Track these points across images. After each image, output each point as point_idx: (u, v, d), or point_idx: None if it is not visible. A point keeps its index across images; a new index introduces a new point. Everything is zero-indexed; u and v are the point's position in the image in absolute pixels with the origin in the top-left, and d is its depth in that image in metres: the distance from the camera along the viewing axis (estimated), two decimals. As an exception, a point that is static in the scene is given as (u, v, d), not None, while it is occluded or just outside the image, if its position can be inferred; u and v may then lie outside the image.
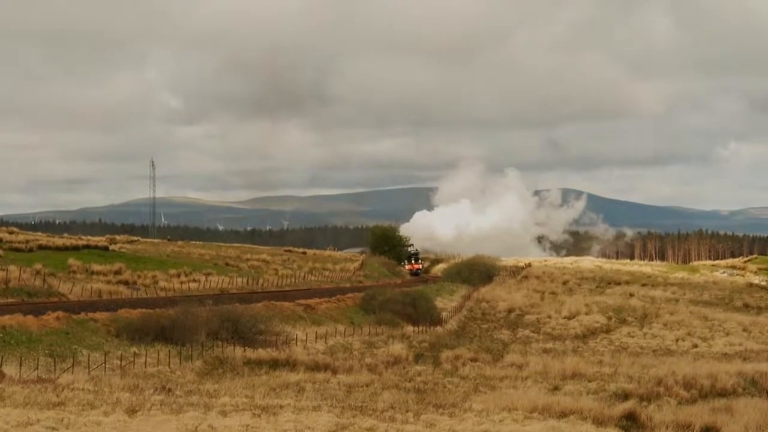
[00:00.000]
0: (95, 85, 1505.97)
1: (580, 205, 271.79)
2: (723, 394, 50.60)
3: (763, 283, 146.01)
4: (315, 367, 53.32)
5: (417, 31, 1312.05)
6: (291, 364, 53.73)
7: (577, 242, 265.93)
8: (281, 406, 30.67)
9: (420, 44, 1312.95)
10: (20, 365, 42.03)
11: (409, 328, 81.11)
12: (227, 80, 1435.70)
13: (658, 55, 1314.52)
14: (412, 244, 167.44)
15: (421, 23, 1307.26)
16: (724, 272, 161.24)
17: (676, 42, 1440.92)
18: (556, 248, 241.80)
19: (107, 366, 47.10)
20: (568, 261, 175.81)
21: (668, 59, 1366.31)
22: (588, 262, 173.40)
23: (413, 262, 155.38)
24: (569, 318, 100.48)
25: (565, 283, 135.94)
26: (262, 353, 56.46)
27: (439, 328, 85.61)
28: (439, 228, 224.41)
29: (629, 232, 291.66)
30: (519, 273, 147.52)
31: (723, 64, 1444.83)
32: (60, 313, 54.29)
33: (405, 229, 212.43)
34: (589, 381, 53.46)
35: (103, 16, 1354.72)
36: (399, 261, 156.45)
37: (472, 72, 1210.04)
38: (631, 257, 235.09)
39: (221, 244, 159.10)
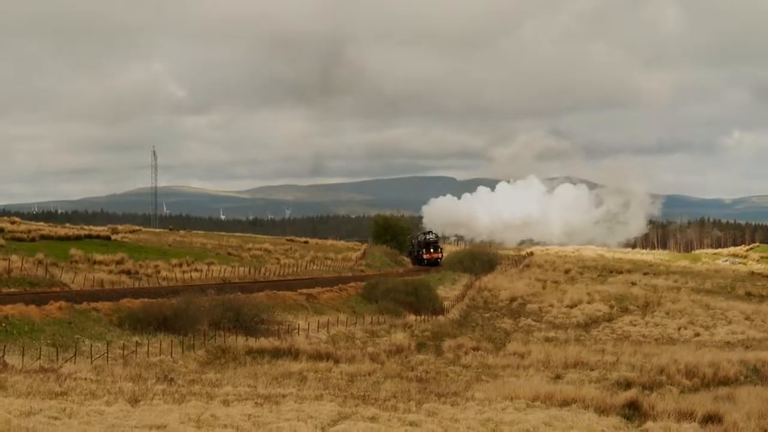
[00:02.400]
0: (100, 75, 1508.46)
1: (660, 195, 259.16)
2: (725, 382, 50.67)
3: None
4: (317, 357, 53.38)
5: (424, 21, 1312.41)
6: (293, 354, 53.80)
7: (653, 235, 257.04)
8: (284, 396, 30.70)
9: (427, 34, 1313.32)
10: (23, 355, 42.08)
11: (411, 317, 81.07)
12: (232, 70, 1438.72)
13: (664, 45, 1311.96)
14: (431, 231, 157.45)
15: (429, 13, 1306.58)
16: (726, 260, 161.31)
17: (683, 31, 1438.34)
18: (630, 242, 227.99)
19: (109, 356, 47.14)
20: (570, 250, 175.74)
21: (674, 49, 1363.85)
22: (590, 251, 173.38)
23: (431, 250, 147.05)
24: (571, 307, 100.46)
25: (567, 271, 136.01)
26: (264, 342, 56.51)
27: (441, 317, 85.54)
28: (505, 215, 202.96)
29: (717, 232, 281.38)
30: (521, 262, 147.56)
31: (729, 54, 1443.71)
32: (62, 303, 54.30)
33: (450, 213, 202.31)
34: (591, 370, 53.51)
35: (109, 7, 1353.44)
36: (401, 250, 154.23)
37: (479, 62, 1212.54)
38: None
39: (223, 233, 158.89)
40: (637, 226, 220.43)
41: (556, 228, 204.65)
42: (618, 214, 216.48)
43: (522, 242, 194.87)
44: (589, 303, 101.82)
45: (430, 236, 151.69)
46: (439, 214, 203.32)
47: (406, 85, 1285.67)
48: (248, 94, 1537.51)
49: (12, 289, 61.45)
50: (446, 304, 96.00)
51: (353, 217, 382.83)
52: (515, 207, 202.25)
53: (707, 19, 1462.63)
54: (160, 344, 52.31)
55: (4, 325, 48.18)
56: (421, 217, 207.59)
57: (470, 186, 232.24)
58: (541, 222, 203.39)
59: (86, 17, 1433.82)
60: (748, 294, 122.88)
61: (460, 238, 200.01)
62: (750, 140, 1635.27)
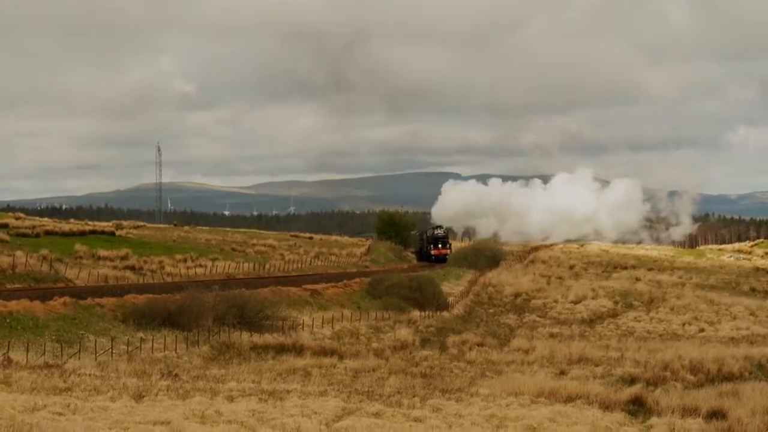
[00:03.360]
0: (107, 70, 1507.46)
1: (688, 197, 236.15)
2: (730, 378, 50.59)
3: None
4: (321, 352, 53.38)
5: (430, 17, 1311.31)
6: (297, 349, 53.81)
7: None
8: (288, 391, 30.69)
9: (433, 30, 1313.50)
10: (27, 351, 42.08)
11: (416, 313, 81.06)
12: (238, 65, 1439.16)
13: (669, 41, 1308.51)
14: (441, 226, 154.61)
15: (435, 9, 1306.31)
16: (730, 256, 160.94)
17: (689, 27, 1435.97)
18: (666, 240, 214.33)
19: (114, 351, 47.13)
20: (575, 246, 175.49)
21: (679, 45, 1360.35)
22: (595, 247, 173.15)
23: (440, 246, 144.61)
24: (576, 302, 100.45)
25: (571, 267, 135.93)
26: (268, 338, 56.55)
27: (445, 313, 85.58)
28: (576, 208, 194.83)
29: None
30: (525, 257, 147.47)
31: (736, 50, 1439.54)
32: (67, 299, 54.33)
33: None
34: (596, 365, 53.52)
35: (117, 3, 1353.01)
36: (406, 246, 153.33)
37: (485, 58, 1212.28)
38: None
39: (227, 229, 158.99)
40: (686, 224, 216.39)
41: (607, 225, 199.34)
42: (666, 213, 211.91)
43: (571, 240, 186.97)
44: (593, 299, 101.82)
45: (439, 231, 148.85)
46: (465, 202, 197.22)
47: (413, 82, 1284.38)
48: (254, 90, 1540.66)
49: (16, 285, 61.52)
50: (450, 299, 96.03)
51: (358, 213, 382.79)
52: (572, 201, 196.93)
53: (712, 15, 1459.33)
54: (165, 340, 52.32)
55: (8, 321, 48.22)
56: (425, 213, 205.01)
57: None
58: (593, 219, 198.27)
59: (95, 12, 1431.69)
60: (753, 290, 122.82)
61: (496, 237, 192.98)
62: (756, 136, 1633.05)
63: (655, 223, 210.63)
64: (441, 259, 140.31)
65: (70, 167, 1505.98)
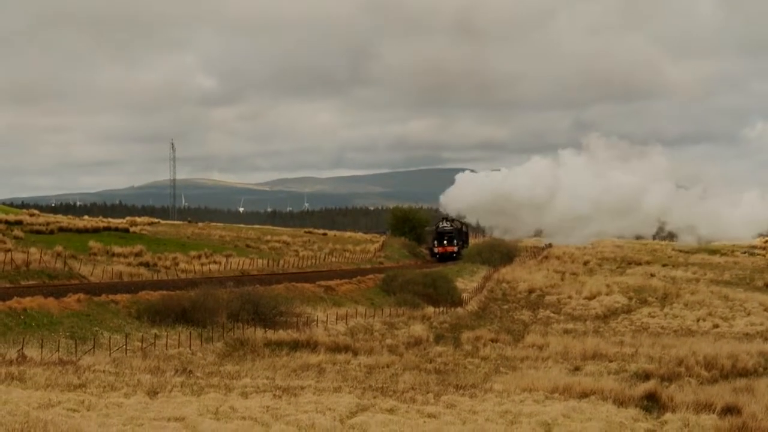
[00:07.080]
0: (127, 67, 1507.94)
1: None
2: (744, 374, 50.54)
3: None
4: (336, 349, 53.43)
5: (450, 12, 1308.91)
6: (312, 346, 53.86)
7: None
8: (302, 388, 30.72)
9: (452, 25, 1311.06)
10: (41, 347, 42.21)
11: (430, 309, 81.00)
12: (258, 62, 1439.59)
13: (689, 36, 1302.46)
14: (446, 218, 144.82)
15: (454, 3, 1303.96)
16: (745, 252, 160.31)
17: (706, 22, 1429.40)
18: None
19: (128, 348, 47.26)
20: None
21: (702, 40, 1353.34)
22: (609, 243, 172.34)
23: (445, 242, 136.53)
24: (590, 298, 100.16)
25: (585, 263, 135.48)
26: (282, 334, 56.57)
27: (459, 309, 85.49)
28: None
29: None
30: (539, 253, 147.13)
31: (759, 45, 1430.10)
32: (81, 295, 54.49)
33: None
34: (610, 361, 53.48)
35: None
36: (420, 242, 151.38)
37: (504, 53, 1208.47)
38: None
39: (242, 225, 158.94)
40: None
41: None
42: None
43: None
44: (607, 295, 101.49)
45: (445, 225, 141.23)
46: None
47: (430, 77, 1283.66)
48: (271, 85, 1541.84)
49: (31, 282, 61.67)
50: (465, 296, 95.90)
51: (372, 209, 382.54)
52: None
53: (730, 10, 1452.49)
54: (179, 336, 52.45)
55: (23, 317, 48.37)
56: (437, 210, 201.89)
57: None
58: None
59: (121, 8, 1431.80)
60: (767, 285, 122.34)
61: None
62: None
63: None
64: (446, 257, 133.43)
65: (85, 163, 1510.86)
